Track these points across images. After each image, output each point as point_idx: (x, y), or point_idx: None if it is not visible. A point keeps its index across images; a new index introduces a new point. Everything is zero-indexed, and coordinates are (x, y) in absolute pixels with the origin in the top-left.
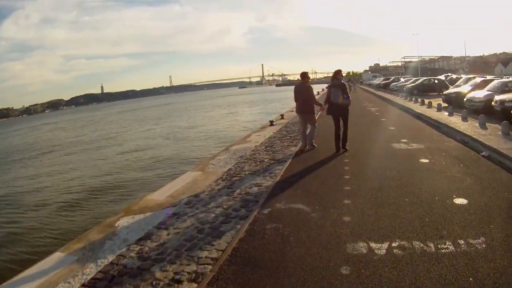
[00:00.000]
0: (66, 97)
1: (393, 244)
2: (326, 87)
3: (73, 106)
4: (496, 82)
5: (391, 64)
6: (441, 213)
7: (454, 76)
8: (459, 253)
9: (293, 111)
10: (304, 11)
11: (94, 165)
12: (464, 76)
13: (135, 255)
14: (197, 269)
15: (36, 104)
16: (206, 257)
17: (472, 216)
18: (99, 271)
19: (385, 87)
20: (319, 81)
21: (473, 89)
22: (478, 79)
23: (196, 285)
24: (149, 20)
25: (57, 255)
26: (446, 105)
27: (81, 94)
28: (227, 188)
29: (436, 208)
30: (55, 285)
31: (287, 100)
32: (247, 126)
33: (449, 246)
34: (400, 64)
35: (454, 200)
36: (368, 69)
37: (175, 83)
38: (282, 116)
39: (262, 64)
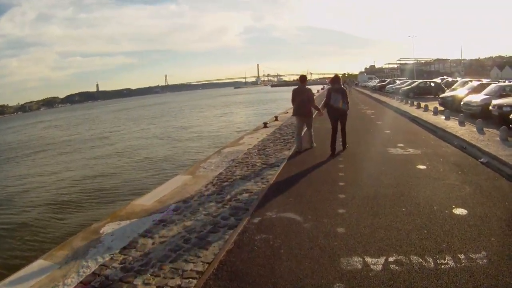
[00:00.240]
0: (62, 94)
1: (390, 259)
2: (327, 89)
3: (68, 104)
4: (493, 86)
5: (387, 66)
6: (440, 224)
7: (450, 79)
8: (459, 269)
9: (287, 112)
10: (301, 11)
11: (85, 165)
12: (460, 79)
13: (118, 265)
14: (181, 284)
15: (31, 102)
16: (191, 270)
17: (472, 228)
18: (80, 282)
19: (380, 89)
20: (314, 82)
21: (469, 93)
22: (475, 83)
23: None
24: (145, 18)
25: (39, 263)
26: (442, 108)
27: (77, 92)
28: (217, 194)
29: (435, 219)
30: None
31: (282, 101)
32: (240, 127)
33: (449, 262)
34: (395, 66)
35: (453, 210)
36: (363, 70)
37: (170, 82)
38: (276, 118)
39: (257, 65)
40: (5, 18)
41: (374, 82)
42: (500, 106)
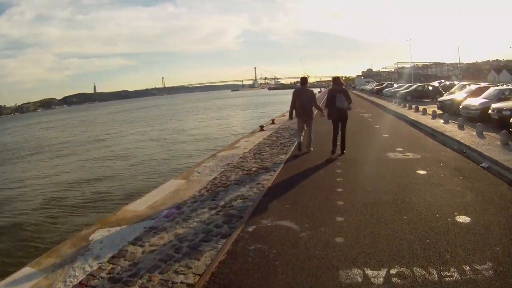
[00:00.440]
0: (59, 96)
1: (392, 271)
2: (327, 91)
3: (65, 105)
4: (492, 90)
5: (384, 70)
6: (443, 233)
7: (447, 83)
8: (464, 282)
9: (284, 116)
10: (298, 15)
11: (79, 168)
12: (457, 83)
13: (106, 275)
14: None
15: (28, 103)
16: (181, 282)
17: (476, 237)
18: None
19: (378, 92)
20: (312, 85)
21: (468, 96)
22: (473, 86)
23: None
24: (143, 20)
25: (26, 271)
26: (440, 112)
27: (74, 93)
28: (210, 200)
29: (437, 227)
30: None
31: (279, 104)
32: (237, 131)
33: (453, 274)
34: (393, 69)
35: (456, 218)
36: (360, 74)
37: (167, 85)
38: (272, 121)
39: (255, 67)
40: (3, 18)
41: (371, 86)
42: (499, 110)
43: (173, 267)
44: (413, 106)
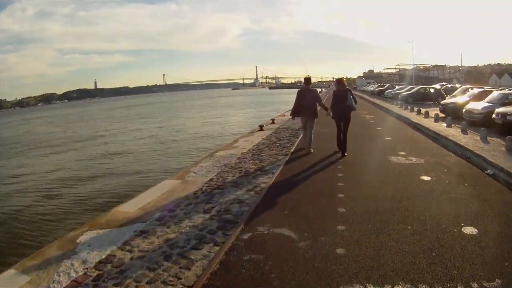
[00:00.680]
0: (59, 91)
1: None
2: (332, 92)
3: (66, 100)
4: (496, 94)
5: (385, 71)
6: (450, 245)
7: (449, 86)
8: None
9: (284, 115)
10: (300, 15)
11: (75, 165)
12: (459, 86)
13: (91, 282)
14: None
15: (29, 97)
16: None
17: (484, 250)
18: None
19: (379, 94)
20: (313, 86)
21: (471, 100)
22: (476, 90)
23: None
24: (145, 17)
25: (9, 274)
26: (443, 115)
27: (75, 88)
28: (205, 203)
29: (444, 239)
30: None
31: (279, 104)
32: (236, 130)
33: None
34: (394, 71)
35: (462, 229)
36: (361, 75)
37: (168, 82)
38: (272, 121)
39: (256, 66)
40: (5, 13)
41: (372, 87)
42: (504, 115)
43: (162, 276)
44: (415, 109)
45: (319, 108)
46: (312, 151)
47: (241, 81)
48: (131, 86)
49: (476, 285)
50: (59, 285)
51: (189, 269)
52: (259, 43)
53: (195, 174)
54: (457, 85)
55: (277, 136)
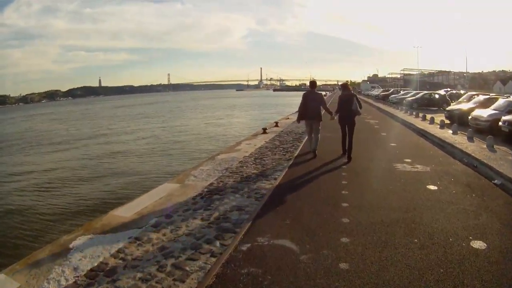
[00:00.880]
0: (64, 88)
1: None
2: (338, 97)
3: (70, 97)
4: (502, 101)
5: (390, 76)
6: (458, 261)
7: (454, 91)
8: None
9: (288, 118)
10: (305, 18)
11: (75, 164)
12: (463, 92)
13: None
14: None
15: (33, 93)
16: None
17: (493, 266)
18: None
19: (384, 98)
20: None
21: (477, 107)
22: (482, 97)
23: None
24: (150, 16)
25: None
26: (448, 121)
27: (79, 86)
28: (204, 209)
29: (451, 254)
30: None
31: (283, 107)
32: (239, 132)
33: None
34: (399, 76)
35: (471, 243)
36: (366, 79)
37: (173, 81)
38: (276, 124)
39: (261, 68)
40: (11, 8)
41: (377, 91)
42: (510, 123)
43: None
44: (420, 114)
45: (323, 111)
46: (316, 152)
47: (245, 83)
48: (136, 84)
49: None
50: None
51: (183, 281)
52: (264, 45)
53: (195, 177)
54: (462, 91)
55: (281, 140)
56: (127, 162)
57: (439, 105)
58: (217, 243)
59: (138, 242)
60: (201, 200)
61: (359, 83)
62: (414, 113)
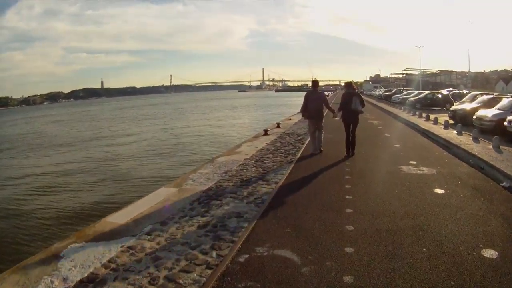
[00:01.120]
0: (66, 90)
1: None
2: (342, 95)
3: (72, 99)
4: (507, 101)
5: (392, 76)
6: (469, 272)
7: (457, 91)
8: None
9: (290, 119)
10: (306, 18)
11: (74, 167)
12: (466, 92)
13: None
14: None
15: (35, 95)
16: None
17: (506, 277)
18: None
19: (386, 98)
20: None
21: (481, 107)
22: (486, 97)
23: None
24: (151, 18)
25: None
26: (452, 122)
27: (81, 87)
28: (201, 215)
29: (462, 264)
30: None
31: (286, 107)
32: (240, 133)
33: None
34: (401, 76)
35: (481, 252)
36: (368, 79)
37: (175, 83)
38: (278, 125)
39: (263, 69)
40: (12, 11)
41: (379, 91)
42: None
43: None
44: (424, 115)
45: (326, 111)
46: (322, 150)
47: (247, 83)
48: (138, 86)
49: None
50: None
51: None
52: (265, 45)
53: (193, 181)
54: (464, 91)
55: (282, 142)
56: (127, 165)
57: (442, 105)
58: (214, 253)
59: (131, 251)
60: (198, 206)
61: (361, 83)
62: (417, 113)
